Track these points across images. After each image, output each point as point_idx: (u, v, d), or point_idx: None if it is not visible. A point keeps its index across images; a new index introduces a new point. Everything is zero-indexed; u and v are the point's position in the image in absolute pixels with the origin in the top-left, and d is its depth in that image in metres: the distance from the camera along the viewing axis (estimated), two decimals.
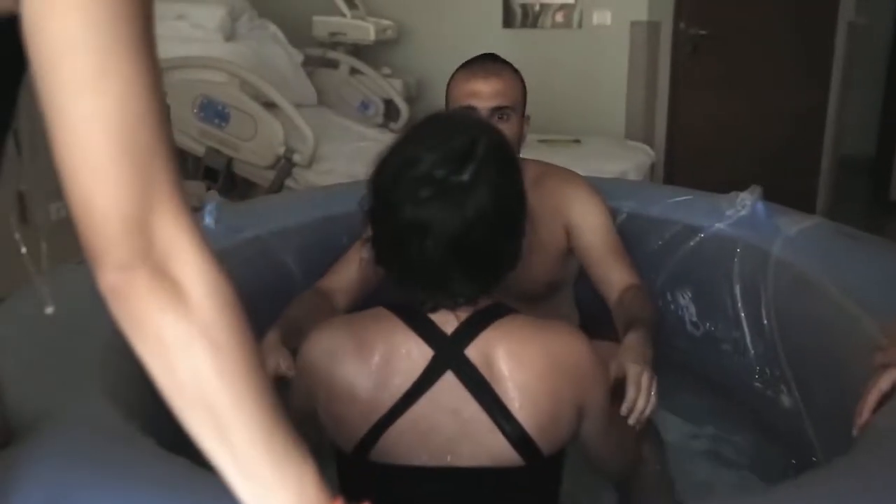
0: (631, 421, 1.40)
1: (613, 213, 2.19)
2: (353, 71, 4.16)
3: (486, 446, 1.20)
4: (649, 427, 1.77)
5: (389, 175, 1.21)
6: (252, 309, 1.92)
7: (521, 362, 1.20)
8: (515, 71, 1.81)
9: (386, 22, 4.20)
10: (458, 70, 1.81)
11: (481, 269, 1.21)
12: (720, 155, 4.27)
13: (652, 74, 4.17)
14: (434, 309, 1.22)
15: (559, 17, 4.23)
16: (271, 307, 1.67)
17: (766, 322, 1.87)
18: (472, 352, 1.21)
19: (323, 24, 4.11)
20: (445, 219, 1.15)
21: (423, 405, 1.21)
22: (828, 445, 1.59)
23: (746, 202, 2.04)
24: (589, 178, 2.41)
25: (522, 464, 1.20)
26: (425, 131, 1.26)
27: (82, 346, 1.39)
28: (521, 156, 1.86)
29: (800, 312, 1.77)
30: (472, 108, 1.73)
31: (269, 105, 3.44)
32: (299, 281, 1.94)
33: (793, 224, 1.93)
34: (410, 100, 4.26)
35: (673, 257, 2.13)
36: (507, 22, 4.29)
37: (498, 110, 1.73)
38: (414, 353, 1.21)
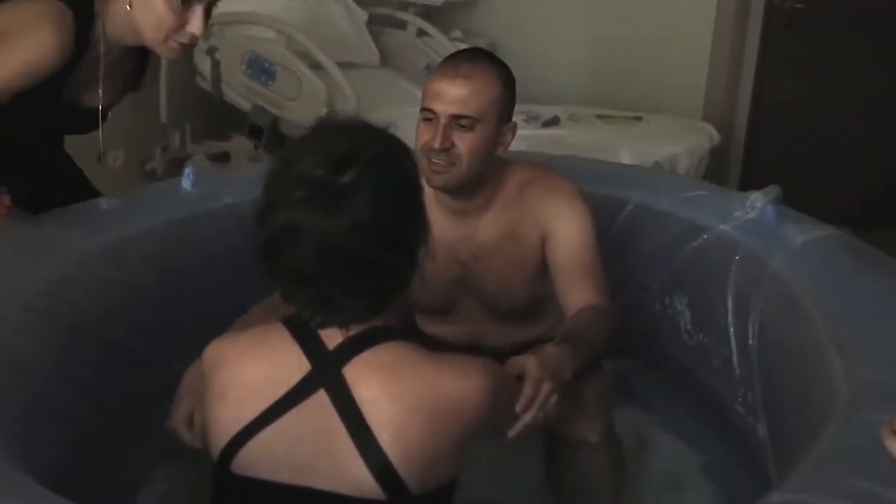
0: (519, 424, 1.29)
1: (619, 204, 2.05)
2: (421, 33, 4.04)
3: (348, 472, 1.13)
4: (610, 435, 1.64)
5: (269, 174, 1.15)
6: (223, 278, 1.88)
7: (393, 391, 1.13)
8: (499, 74, 1.62)
9: None
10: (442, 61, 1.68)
11: (363, 283, 1.13)
12: (810, 145, 3.92)
13: (738, 50, 3.85)
14: (323, 325, 1.16)
15: None
16: (240, 278, 1.58)
17: (751, 342, 1.68)
18: (349, 372, 1.14)
19: None
20: (318, 223, 1.09)
21: (291, 419, 1.15)
22: None
23: (756, 204, 1.84)
24: (611, 163, 2.27)
25: (384, 498, 1.12)
26: (317, 133, 1.19)
27: None
28: (513, 160, 1.75)
29: (780, 338, 1.59)
30: (431, 112, 1.59)
31: (319, 65, 3.38)
32: None
33: (800, 234, 1.73)
34: None
35: (675, 258, 1.96)
36: None
37: (457, 119, 1.57)
38: (292, 366, 1.16)
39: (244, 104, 3.50)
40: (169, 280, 1.79)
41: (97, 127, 1.83)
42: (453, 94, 1.57)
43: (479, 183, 1.67)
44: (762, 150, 4.01)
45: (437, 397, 1.13)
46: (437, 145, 1.57)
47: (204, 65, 3.54)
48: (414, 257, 1.17)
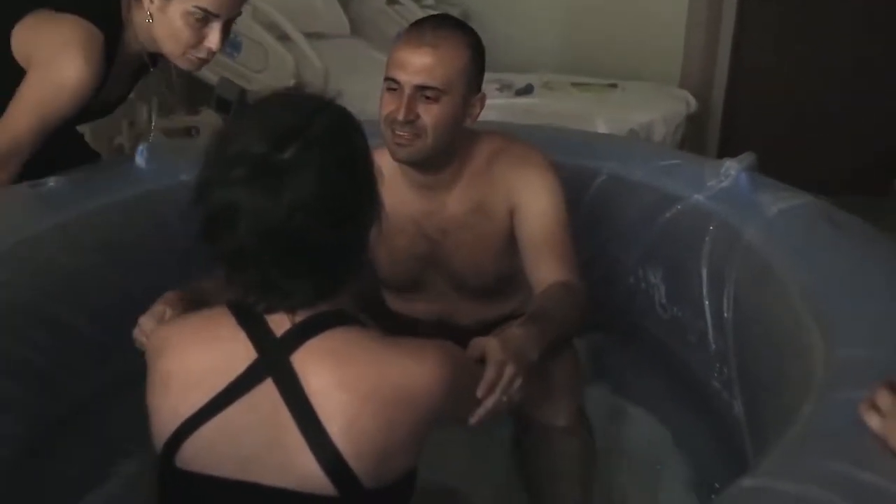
0: (481, 410, 1.23)
1: (592, 174, 1.98)
2: (392, 0, 3.94)
3: (296, 467, 1.06)
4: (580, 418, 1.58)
5: (208, 150, 1.08)
6: (180, 258, 1.80)
7: (343, 380, 1.06)
8: (467, 42, 1.55)
9: None
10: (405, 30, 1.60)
11: (308, 266, 1.06)
12: (789, 111, 3.86)
13: (715, 14, 3.80)
14: (270, 310, 1.09)
15: None
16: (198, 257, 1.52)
17: (726, 315, 1.62)
18: (297, 360, 1.07)
19: None
20: (257, 203, 1.02)
21: (236, 410, 1.08)
22: None
23: (731, 172, 1.78)
24: (584, 132, 2.20)
25: (335, 493, 1.06)
26: (260, 106, 1.12)
27: None
28: (482, 130, 1.67)
29: (756, 310, 1.53)
30: (394, 82, 1.51)
31: (286, 35, 3.29)
32: None
33: (775, 202, 1.67)
34: None
35: (648, 229, 1.90)
36: None
37: (422, 89, 1.50)
38: (238, 354, 1.09)
39: (211, 77, 3.39)
40: (120, 261, 1.71)
41: (108, 114, 1.91)
42: (418, 64, 1.49)
43: (445, 156, 1.60)
44: (740, 116, 3.96)
45: (391, 385, 1.06)
46: (400, 117, 1.50)
47: None
48: (363, 238, 1.11)
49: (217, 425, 1.08)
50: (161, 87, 3.68)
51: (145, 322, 1.32)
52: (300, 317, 1.09)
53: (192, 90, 3.60)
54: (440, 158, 1.59)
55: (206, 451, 1.09)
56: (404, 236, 1.70)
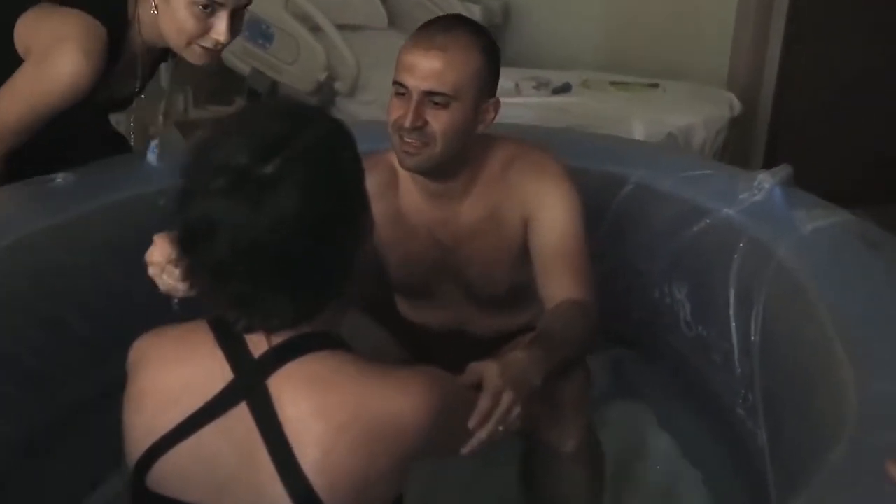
0: (474, 440, 1.15)
1: (619, 182, 1.89)
2: None
3: (265, 497, 1.00)
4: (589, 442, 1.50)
5: (191, 156, 1.01)
6: None
7: (320, 408, 0.99)
8: (480, 45, 1.46)
9: None
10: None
11: (288, 285, 1.00)
12: (844, 119, 3.69)
13: (766, 12, 3.64)
14: (248, 329, 1.03)
15: None
16: None
17: (753, 338, 1.52)
18: (273, 384, 1.01)
19: None
20: (236, 217, 0.95)
21: (209, 434, 1.02)
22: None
23: (764, 185, 1.67)
24: (612, 137, 2.12)
25: None
26: (248, 113, 1.07)
27: None
28: (497, 136, 1.59)
29: (784, 335, 1.44)
30: (402, 87, 1.44)
31: (320, 27, 3.24)
32: None
33: (810, 220, 1.57)
34: (493, 28, 3.92)
35: (675, 242, 1.80)
36: None
37: (431, 95, 1.42)
38: (214, 374, 1.03)
39: (243, 68, 3.37)
40: (121, 260, 1.66)
41: (126, 107, 1.89)
42: (426, 68, 1.42)
43: (456, 164, 1.53)
44: (790, 120, 3.79)
45: (371, 415, 0.99)
46: (407, 124, 1.42)
47: None
48: (349, 259, 1.03)
49: (189, 448, 1.02)
50: (196, 78, 3.67)
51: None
52: (280, 338, 1.02)
53: (227, 81, 3.58)
54: (451, 166, 1.52)
55: (177, 475, 1.04)
56: (417, 243, 1.63)
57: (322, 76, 3.15)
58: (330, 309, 1.05)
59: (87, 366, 1.61)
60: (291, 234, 0.96)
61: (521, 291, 1.62)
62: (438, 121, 1.44)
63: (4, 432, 1.46)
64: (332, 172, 1.00)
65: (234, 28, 1.62)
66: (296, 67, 3.21)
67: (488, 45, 1.49)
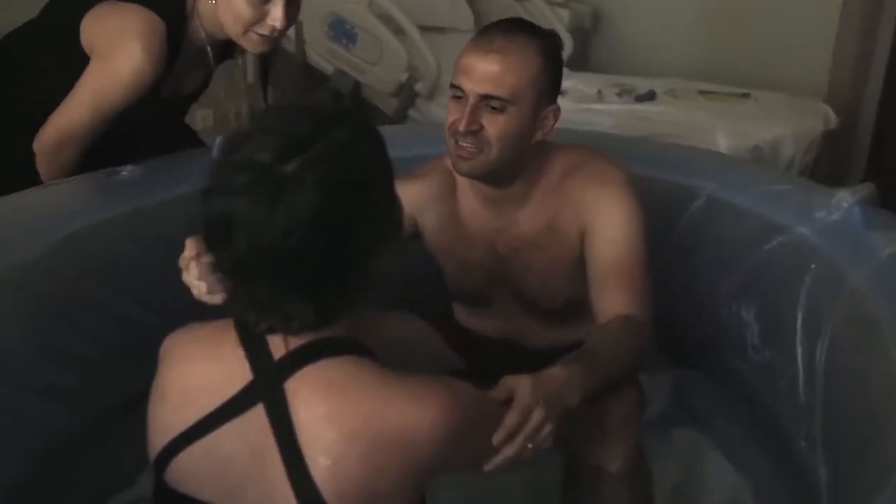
0: (499, 458, 1.10)
1: (690, 195, 1.82)
2: None
3: (275, 502, 0.98)
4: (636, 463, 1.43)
5: (218, 154, 1.00)
6: None
7: (333, 413, 0.97)
8: (541, 49, 1.42)
9: None
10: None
11: (308, 288, 0.98)
12: None
13: (872, 19, 3.46)
14: (269, 330, 1.01)
15: None
16: None
17: (818, 367, 1.43)
18: (290, 387, 0.99)
19: None
20: (252, 216, 0.94)
21: (224, 434, 1.01)
22: None
23: (843, 203, 1.57)
24: (687, 147, 2.04)
25: None
26: (277, 112, 1.06)
27: None
28: (562, 144, 1.56)
29: (851, 366, 1.34)
30: (459, 90, 1.41)
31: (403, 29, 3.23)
32: None
33: (889, 243, 1.47)
34: (582, 32, 3.85)
35: (745, 260, 1.71)
36: None
37: (487, 99, 1.39)
38: (234, 374, 1.02)
39: (327, 67, 3.40)
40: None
41: (185, 106, 1.93)
42: (484, 71, 1.39)
43: (513, 171, 1.49)
44: (893, 137, 3.59)
45: (384, 426, 0.96)
46: (462, 128, 1.40)
47: None
48: (371, 263, 1.00)
49: (204, 447, 1.02)
50: (280, 74, 3.72)
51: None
52: (300, 340, 1.01)
53: (312, 80, 3.62)
54: (506, 173, 1.48)
55: (192, 474, 1.03)
56: (475, 250, 1.60)
57: (403, 77, 3.15)
58: (351, 312, 1.03)
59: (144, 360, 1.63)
60: (308, 236, 0.94)
61: (580, 305, 1.56)
62: (494, 126, 1.40)
63: (64, 422, 1.49)
64: (353, 175, 0.98)
65: (290, 15, 1.63)
66: (378, 68, 3.22)
67: (550, 51, 1.45)
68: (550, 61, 1.44)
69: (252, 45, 1.66)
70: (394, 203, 1.04)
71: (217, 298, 1.13)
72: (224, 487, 1.01)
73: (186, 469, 1.03)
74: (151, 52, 1.62)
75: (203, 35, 1.71)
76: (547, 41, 1.45)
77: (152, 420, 1.08)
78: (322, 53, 3.37)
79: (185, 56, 1.72)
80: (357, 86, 3.33)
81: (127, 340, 1.60)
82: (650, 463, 1.51)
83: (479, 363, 1.73)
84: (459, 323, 1.77)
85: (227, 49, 1.83)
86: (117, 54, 1.63)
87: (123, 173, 1.74)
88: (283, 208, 0.93)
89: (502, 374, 1.17)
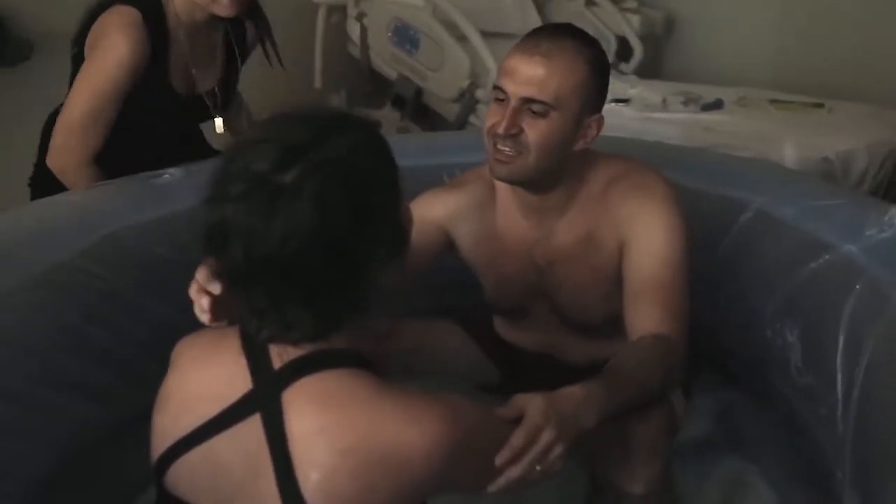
0: (502, 479, 1.06)
1: (739, 208, 1.75)
2: (590, 2, 3.76)
3: None
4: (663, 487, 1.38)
5: (219, 162, 1.00)
6: None
7: (326, 427, 0.95)
8: (587, 56, 1.39)
9: None
10: None
11: (306, 299, 0.96)
12: None
13: None
14: (269, 340, 1.00)
15: None
16: None
17: (855, 394, 1.35)
18: (287, 398, 0.98)
19: None
20: (248, 225, 0.93)
21: (221, 442, 1.01)
22: None
23: (894, 221, 1.49)
24: (739, 158, 1.96)
25: None
26: (278, 118, 1.02)
27: None
28: (607, 154, 1.52)
29: (888, 394, 1.25)
30: (501, 92, 1.39)
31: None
32: None
33: None
34: (653, 39, 3.77)
35: (791, 277, 1.63)
36: None
37: (529, 102, 1.36)
38: (235, 382, 1.02)
39: (390, 73, 3.41)
40: None
41: (225, 108, 1.92)
42: (527, 74, 1.36)
43: (552, 178, 1.46)
44: None
45: (377, 442, 0.94)
46: (501, 130, 1.37)
47: (354, 31, 3.47)
48: (373, 275, 0.98)
49: (202, 454, 1.01)
50: (349, 80, 3.75)
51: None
52: (300, 351, 0.99)
53: (378, 85, 3.63)
54: (545, 180, 1.45)
55: (189, 480, 1.03)
56: (513, 261, 1.57)
57: (465, 83, 3.14)
58: (352, 324, 1.01)
59: None
60: (306, 245, 0.92)
61: (619, 321, 1.51)
62: (535, 130, 1.37)
63: (98, 417, 1.53)
64: (353, 183, 0.95)
65: None
66: (440, 74, 3.22)
67: (596, 58, 1.41)
68: (597, 70, 1.41)
69: (222, 8, 1.72)
70: (398, 211, 1.01)
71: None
72: (218, 496, 1.01)
73: (185, 475, 1.03)
74: (128, 37, 1.70)
75: (178, 17, 1.77)
76: (595, 49, 1.43)
77: (154, 425, 1.08)
78: (385, 59, 3.38)
79: (178, 43, 1.78)
80: (419, 91, 3.33)
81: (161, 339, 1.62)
82: (683, 489, 1.45)
83: (516, 376, 1.71)
84: (499, 335, 1.74)
85: (240, 41, 1.89)
86: (102, 49, 1.72)
87: (165, 177, 1.77)
88: (280, 217, 0.91)
89: (538, 388, 1.13)
